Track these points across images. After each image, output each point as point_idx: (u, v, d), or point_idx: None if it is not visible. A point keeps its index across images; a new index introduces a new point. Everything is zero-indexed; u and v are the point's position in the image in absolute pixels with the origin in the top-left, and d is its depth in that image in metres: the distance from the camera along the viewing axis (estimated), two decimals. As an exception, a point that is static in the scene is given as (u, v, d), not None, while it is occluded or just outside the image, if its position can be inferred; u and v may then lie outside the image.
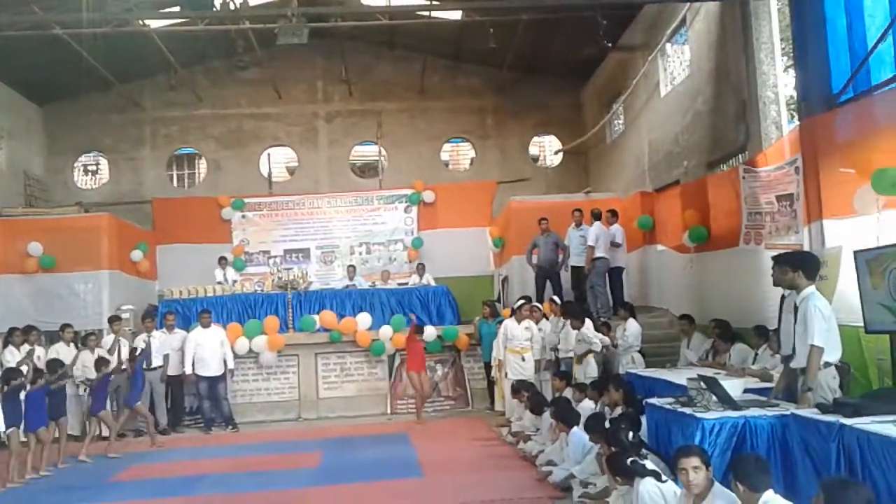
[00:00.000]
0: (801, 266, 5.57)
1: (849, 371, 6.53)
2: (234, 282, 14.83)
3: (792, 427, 5.16)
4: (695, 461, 4.40)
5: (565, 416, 7.42)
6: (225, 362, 11.80)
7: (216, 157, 18.88)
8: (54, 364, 9.44)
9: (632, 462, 5.17)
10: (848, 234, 7.43)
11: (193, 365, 11.56)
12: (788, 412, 5.27)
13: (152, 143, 18.78)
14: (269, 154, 19.01)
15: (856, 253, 6.63)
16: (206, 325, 11.83)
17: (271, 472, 8.58)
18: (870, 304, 6.40)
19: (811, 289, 5.57)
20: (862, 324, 6.51)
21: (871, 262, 6.36)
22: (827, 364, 5.44)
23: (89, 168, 19.94)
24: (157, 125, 18.73)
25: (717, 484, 4.44)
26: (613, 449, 5.68)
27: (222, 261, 15.84)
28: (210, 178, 18.91)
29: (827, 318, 5.43)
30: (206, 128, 18.81)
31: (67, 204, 16.48)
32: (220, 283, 14.66)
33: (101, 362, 10.20)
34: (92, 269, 13.23)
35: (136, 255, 14.94)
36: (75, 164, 19.05)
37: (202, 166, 19.50)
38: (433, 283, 14.89)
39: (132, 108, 18.38)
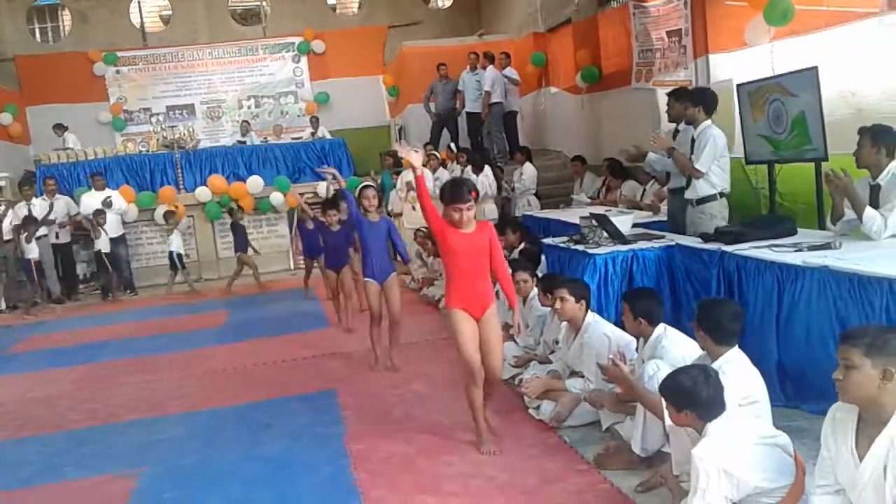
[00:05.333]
0: (701, 101, 5.68)
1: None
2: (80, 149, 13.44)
3: (677, 257, 5.46)
4: (561, 292, 4.63)
5: None
6: (123, 223, 11.55)
7: (80, 7, 17.20)
8: None
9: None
10: (738, 67, 7.57)
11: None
12: (674, 243, 5.55)
13: (5, -8, 16.94)
14: (139, 2, 17.51)
15: (738, 86, 6.77)
16: (100, 189, 11.36)
17: (176, 334, 8.50)
18: (750, 136, 6.64)
19: (708, 122, 5.73)
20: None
21: (752, 94, 6.52)
22: (721, 194, 5.66)
23: (-63, 24, 17.94)
24: (8, -28, 16.82)
25: (591, 314, 4.66)
26: None
27: (58, 129, 14.28)
28: (77, 31, 17.32)
29: (721, 149, 5.62)
30: (64, -26, 17.06)
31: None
32: (66, 148, 13.41)
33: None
34: (-45, 134, 12.31)
35: (5, 118, 13.94)
36: (-81, 20, 17.09)
37: (66, 18, 17.83)
38: (328, 136, 14.52)
39: (-24, -46, 16.38)
